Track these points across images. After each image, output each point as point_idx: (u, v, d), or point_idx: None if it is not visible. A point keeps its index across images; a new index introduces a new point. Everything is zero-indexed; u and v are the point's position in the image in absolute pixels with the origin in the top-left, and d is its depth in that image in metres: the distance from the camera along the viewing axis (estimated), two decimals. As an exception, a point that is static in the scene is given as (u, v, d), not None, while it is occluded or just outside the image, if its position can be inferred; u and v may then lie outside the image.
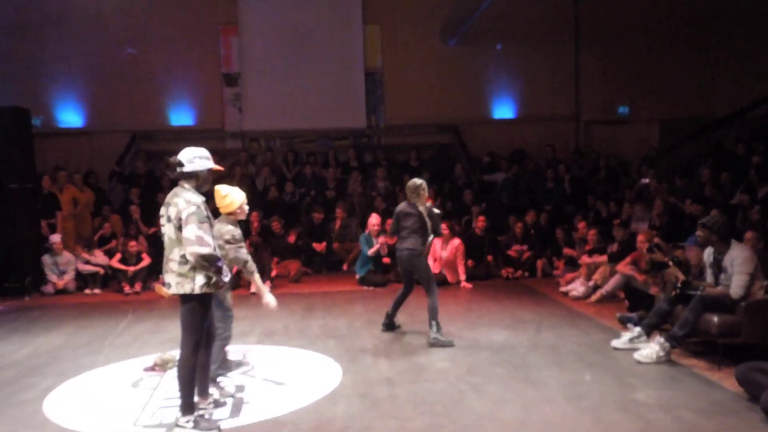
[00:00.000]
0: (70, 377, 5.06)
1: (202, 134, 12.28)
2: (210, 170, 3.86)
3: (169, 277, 3.75)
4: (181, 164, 3.76)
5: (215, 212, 4.31)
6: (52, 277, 9.05)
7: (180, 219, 3.65)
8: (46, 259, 9.07)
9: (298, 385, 4.73)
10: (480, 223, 9.78)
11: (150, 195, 10.88)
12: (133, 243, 9.21)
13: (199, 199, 3.74)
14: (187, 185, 3.77)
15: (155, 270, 9.24)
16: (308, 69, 12.67)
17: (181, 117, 12.77)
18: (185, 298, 3.75)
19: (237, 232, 4.59)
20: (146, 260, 9.16)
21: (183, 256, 3.68)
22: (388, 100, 13.11)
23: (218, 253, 3.76)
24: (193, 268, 3.68)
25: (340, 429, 3.85)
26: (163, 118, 12.70)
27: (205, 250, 3.61)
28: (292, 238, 10.06)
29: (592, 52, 13.20)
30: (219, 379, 4.72)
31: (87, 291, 9.06)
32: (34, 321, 7.32)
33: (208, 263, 3.65)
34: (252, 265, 4.62)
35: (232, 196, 4.58)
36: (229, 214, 4.61)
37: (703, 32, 12.88)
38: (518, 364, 5.07)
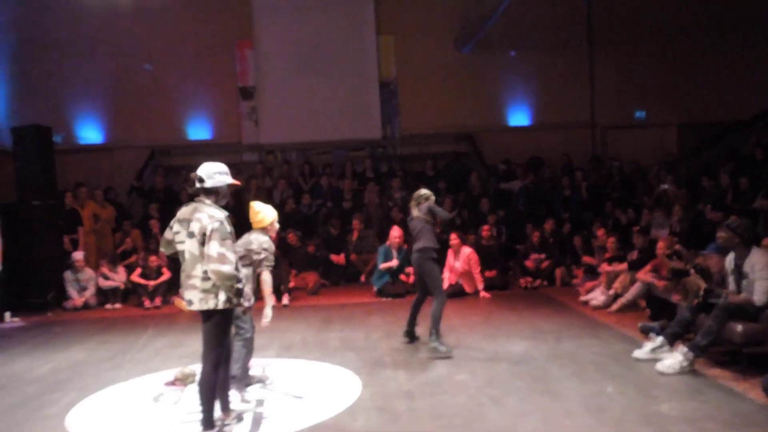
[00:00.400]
0: (92, 392, 5.11)
1: (219, 148, 12.41)
2: (228, 185, 3.90)
3: (190, 294, 3.75)
4: (201, 180, 3.79)
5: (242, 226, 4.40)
6: (73, 293, 9.16)
7: (204, 234, 3.65)
8: (68, 275, 9.19)
9: (318, 398, 4.73)
10: (485, 232, 9.73)
11: (169, 209, 10.88)
12: (153, 258, 9.31)
13: (222, 214, 3.75)
14: (207, 200, 3.80)
15: (175, 284, 9.32)
16: (323, 81, 12.76)
17: (199, 131, 12.92)
18: (208, 314, 3.76)
19: (269, 243, 4.77)
20: (166, 274, 9.24)
21: (206, 272, 3.69)
22: (403, 110, 13.16)
23: (240, 273, 3.76)
24: (216, 284, 3.69)
25: (360, 443, 3.84)
26: (181, 132, 12.87)
27: (226, 269, 3.61)
28: (311, 248, 10.10)
29: (607, 57, 13.15)
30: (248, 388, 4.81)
31: (108, 306, 9.16)
32: (56, 336, 7.41)
33: (228, 282, 3.66)
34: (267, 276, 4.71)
35: (263, 213, 4.80)
36: (261, 229, 4.81)
37: (721, 34, 12.75)
38: (538, 375, 5.02)
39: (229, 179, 3.89)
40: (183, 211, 3.84)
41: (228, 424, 4.08)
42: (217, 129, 13.00)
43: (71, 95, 12.63)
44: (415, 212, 6.10)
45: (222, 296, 3.71)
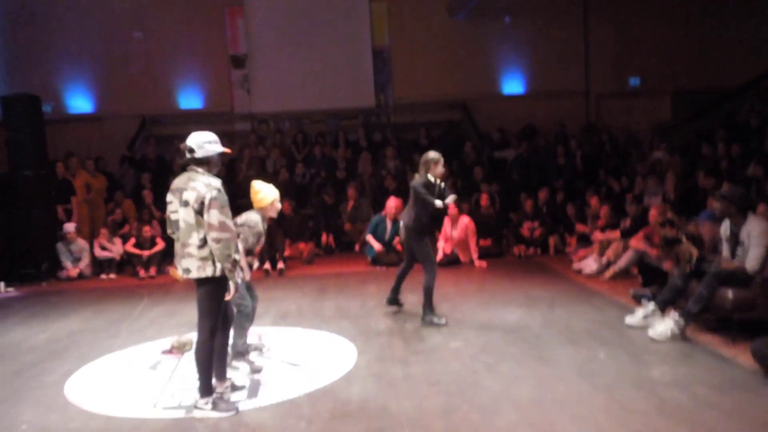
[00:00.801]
0: (90, 361, 5.14)
1: (211, 117, 12.31)
2: (220, 154, 3.87)
3: (187, 263, 3.75)
4: (191, 150, 3.77)
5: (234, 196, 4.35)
6: (67, 263, 9.15)
7: (202, 203, 3.65)
8: (60, 246, 9.17)
9: (314, 366, 4.78)
10: (483, 201, 9.76)
11: (161, 179, 10.91)
12: (146, 228, 9.29)
13: (218, 182, 3.75)
14: (200, 170, 3.78)
15: (169, 254, 9.32)
16: (315, 48, 12.61)
17: (190, 100, 12.78)
18: (204, 282, 3.77)
19: (259, 224, 4.66)
20: (160, 244, 9.24)
21: (203, 240, 3.69)
22: (396, 78, 13.04)
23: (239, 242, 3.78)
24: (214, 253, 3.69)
25: (357, 410, 3.90)
26: (172, 101, 12.72)
27: (227, 236, 3.65)
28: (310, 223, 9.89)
29: (602, 24, 13.04)
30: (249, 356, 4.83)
31: (103, 276, 9.17)
32: (52, 306, 7.43)
33: (227, 250, 3.66)
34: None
35: (263, 193, 4.68)
36: (260, 209, 4.71)
37: (714, 2, 12.63)
38: (531, 342, 5.08)
39: (219, 148, 3.86)
40: (176, 182, 3.83)
41: (222, 393, 4.12)
42: (208, 98, 12.86)
43: (60, 64, 12.44)
44: (416, 179, 5.78)
45: (219, 264, 3.72)
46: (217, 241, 3.63)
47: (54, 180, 9.72)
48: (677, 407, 3.69)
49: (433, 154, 5.81)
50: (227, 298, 3.84)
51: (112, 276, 9.18)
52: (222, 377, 4.10)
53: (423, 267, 5.84)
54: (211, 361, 3.89)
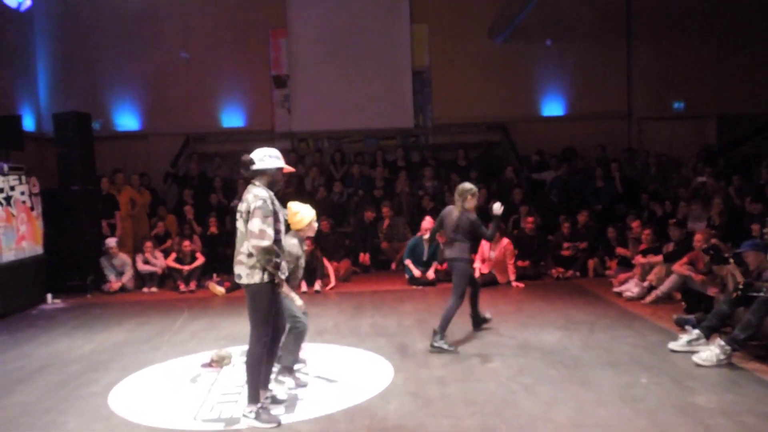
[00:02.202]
0: (132, 372, 5.26)
1: (252, 135, 12.53)
2: (280, 170, 4.03)
3: (239, 269, 3.95)
4: (252, 162, 3.96)
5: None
6: (111, 277, 9.39)
7: (249, 212, 3.85)
8: (103, 260, 9.42)
9: (351, 382, 4.79)
10: (529, 223, 9.69)
11: (203, 195, 11.18)
12: (187, 242, 9.49)
13: (267, 193, 3.90)
14: (257, 182, 3.96)
15: (209, 269, 9.52)
16: (356, 69, 12.77)
17: (232, 119, 13.06)
18: (253, 289, 3.91)
19: (296, 248, 4.67)
20: (200, 259, 9.42)
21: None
22: (435, 99, 13.10)
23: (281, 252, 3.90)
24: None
25: (393, 427, 3.89)
26: (215, 120, 13.02)
27: (265, 243, 3.79)
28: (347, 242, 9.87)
29: (645, 47, 12.88)
30: (296, 368, 4.86)
31: (145, 289, 9.37)
32: (97, 318, 7.62)
33: (267, 255, 3.82)
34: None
35: (301, 214, 4.71)
36: (298, 230, 4.74)
37: (761, 24, 12.40)
38: (571, 365, 5.00)
39: (280, 163, 4.04)
40: (244, 194, 4.02)
41: (263, 403, 4.16)
42: (250, 117, 13.12)
43: (109, 83, 12.88)
44: (456, 211, 5.71)
45: (267, 272, 3.87)
46: (257, 248, 3.81)
47: (99, 195, 10.02)
48: (724, 436, 3.58)
49: (469, 186, 5.79)
50: (279, 289, 4.03)
51: (154, 289, 9.37)
52: (264, 387, 4.16)
53: (452, 293, 5.74)
54: (260, 369, 4.00)
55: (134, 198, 10.50)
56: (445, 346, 5.53)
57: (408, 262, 9.13)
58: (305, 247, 4.86)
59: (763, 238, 5.25)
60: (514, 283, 8.67)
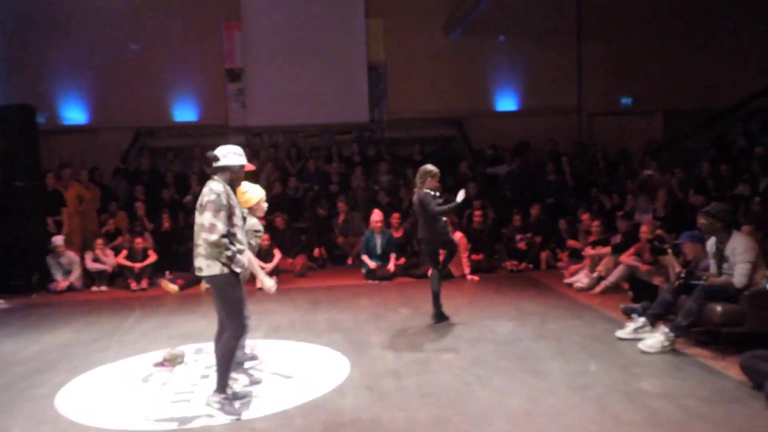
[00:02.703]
0: (81, 373, 5.12)
1: (206, 130, 12.33)
2: (242, 167, 4.10)
3: (198, 262, 3.96)
4: (216, 159, 4.00)
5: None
6: (57, 276, 9.09)
7: (201, 205, 3.91)
8: (49, 259, 9.12)
9: (306, 378, 4.78)
10: (477, 217, 9.83)
11: (154, 191, 10.94)
12: (139, 240, 9.27)
13: (223, 188, 3.93)
14: (216, 178, 3.99)
15: (161, 266, 9.33)
16: (311, 63, 12.68)
17: (185, 113, 12.80)
18: (216, 280, 3.93)
19: (256, 224, 4.82)
20: (152, 257, 9.23)
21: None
22: (391, 94, 13.12)
23: (234, 247, 3.92)
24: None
25: (350, 421, 3.90)
26: (167, 114, 12.73)
27: (213, 237, 3.83)
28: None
29: (595, 43, 13.18)
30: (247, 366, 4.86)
31: (94, 288, 9.11)
32: (43, 318, 7.38)
33: (218, 249, 3.85)
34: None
35: (250, 193, 4.77)
36: (249, 209, 4.79)
37: (707, 22, 12.85)
38: (523, 355, 5.11)
39: (242, 160, 4.10)
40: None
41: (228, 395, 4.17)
42: (203, 111, 12.88)
43: (55, 75, 12.43)
44: (416, 194, 6.04)
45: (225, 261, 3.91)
46: (207, 241, 3.85)
47: (45, 191, 9.69)
48: (667, 419, 3.72)
49: (430, 167, 6.06)
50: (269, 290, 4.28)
51: (104, 288, 9.13)
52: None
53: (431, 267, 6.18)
54: (231, 361, 4.03)
55: (82, 194, 10.20)
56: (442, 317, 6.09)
57: (364, 257, 9.16)
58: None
59: (699, 230, 5.46)
60: (468, 277, 8.79)
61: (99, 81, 12.56)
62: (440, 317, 6.25)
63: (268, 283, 4.58)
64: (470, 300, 7.55)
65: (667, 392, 4.14)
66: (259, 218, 4.91)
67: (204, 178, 4.17)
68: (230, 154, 4.04)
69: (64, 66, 12.40)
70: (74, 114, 12.59)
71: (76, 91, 12.57)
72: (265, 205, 4.90)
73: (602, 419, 3.75)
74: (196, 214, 3.99)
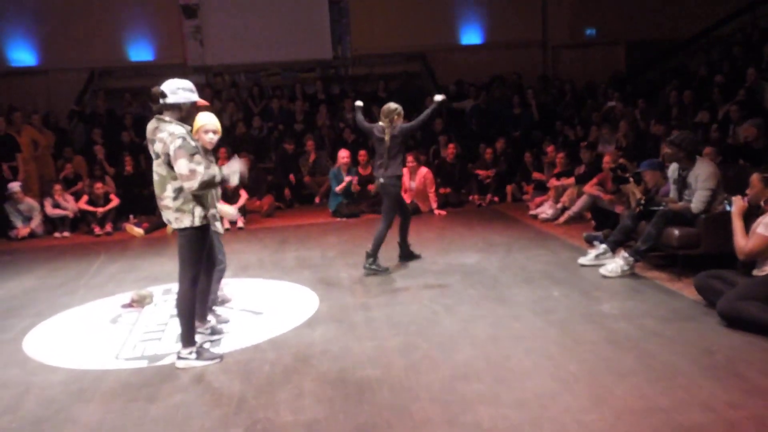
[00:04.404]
0: (48, 317, 5.08)
1: (163, 69, 11.85)
2: (194, 104, 3.76)
3: (166, 215, 3.74)
4: (164, 95, 3.64)
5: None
6: (17, 223, 8.88)
7: (168, 154, 3.57)
8: (8, 206, 8.87)
9: (276, 314, 4.83)
10: (450, 150, 9.85)
11: (113, 134, 10.63)
12: (99, 184, 9.06)
13: (183, 129, 3.63)
14: (168, 117, 3.66)
15: (125, 210, 9.17)
16: (270, -2, 12.26)
17: (141, 52, 12.34)
18: (185, 233, 3.74)
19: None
20: (114, 201, 9.05)
21: (177, 190, 3.65)
22: (353, 30, 12.82)
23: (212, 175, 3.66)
24: (190, 201, 3.67)
25: (320, 352, 3.97)
26: (122, 53, 12.27)
27: (195, 185, 3.56)
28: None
29: (559, -27, 13.00)
30: (215, 308, 4.79)
31: (56, 234, 8.93)
32: (4, 266, 7.23)
33: (207, 188, 3.66)
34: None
35: (196, 119, 4.16)
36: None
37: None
38: (489, 284, 5.23)
39: (195, 96, 3.75)
40: (147, 130, 3.71)
41: (202, 333, 4.16)
42: (159, 49, 12.43)
43: (1, 13, 11.78)
44: (387, 132, 5.75)
45: (198, 212, 3.70)
46: (191, 189, 3.58)
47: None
48: (625, 337, 3.88)
49: (395, 105, 5.85)
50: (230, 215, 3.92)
51: (66, 234, 8.95)
52: (203, 318, 4.16)
53: (383, 218, 5.88)
54: (194, 311, 3.89)
55: (36, 139, 9.83)
56: (377, 268, 5.72)
57: (338, 188, 9.13)
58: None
59: (661, 158, 5.56)
60: (436, 211, 8.87)
61: (48, 20, 11.99)
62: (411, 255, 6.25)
63: (229, 210, 4.48)
64: (438, 234, 7.63)
65: (625, 313, 4.31)
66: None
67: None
68: (180, 90, 3.65)
69: (9, 4, 11.73)
70: (22, 55, 12.03)
71: (23, 31, 11.97)
72: (210, 137, 4.20)
73: (564, 340, 3.90)
74: (154, 162, 3.68)
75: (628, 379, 3.30)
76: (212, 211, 3.88)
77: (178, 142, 3.54)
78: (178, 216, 3.70)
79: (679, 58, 12.19)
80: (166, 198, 3.69)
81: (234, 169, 3.79)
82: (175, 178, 3.63)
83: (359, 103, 6.47)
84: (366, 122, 6.22)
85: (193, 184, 3.56)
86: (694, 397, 3.08)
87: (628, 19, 12.96)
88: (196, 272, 3.81)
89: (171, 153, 3.54)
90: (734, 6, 11.68)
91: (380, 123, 5.90)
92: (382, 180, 5.85)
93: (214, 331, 4.34)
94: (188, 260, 3.79)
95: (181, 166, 3.53)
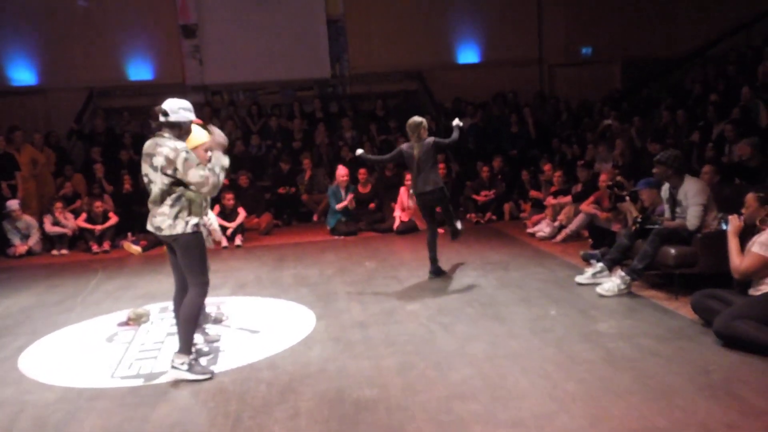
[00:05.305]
0: (44, 335, 5.06)
1: (162, 89, 11.90)
2: (191, 122, 3.97)
3: (159, 221, 3.83)
4: (165, 114, 3.83)
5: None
6: (15, 241, 8.89)
7: (175, 168, 3.72)
8: (6, 224, 8.88)
9: (273, 332, 4.82)
10: (440, 170, 9.85)
11: (112, 153, 10.67)
12: (98, 203, 9.08)
13: (183, 144, 3.82)
14: (167, 134, 3.83)
15: (123, 228, 9.18)
16: (269, 17, 12.38)
17: (140, 71, 12.42)
18: (179, 239, 3.85)
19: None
20: (113, 219, 9.07)
21: (176, 199, 3.80)
22: (351, 48, 12.92)
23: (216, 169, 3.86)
24: (185, 209, 3.82)
25: (316, 371, 3.96)
26: (121, 73, 12.34)
27: (211, 183, 3.77)
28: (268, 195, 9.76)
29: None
30: (205, 326, 4.81)
31: (54, 252, 8.94)
32: (2, 282, 7.23)
33: (222, 178, 3.87)
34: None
35: (191, 136, 4.13)
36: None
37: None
38: (486, 302, 5.22)
39: (192, 116, 3.95)
40: (145, 147, 3.87)
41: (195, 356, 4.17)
42: (158, 69, 12.51)
43: (1, 34, 11.87)
44: (416, 146, 5.93)
45: (192, 220, 3.84)
46: (209, 192, 3.81)
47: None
48: (622, 356, 3.87)
49: (419, 119, 6.08)
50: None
51: (64, 252, 8.95)
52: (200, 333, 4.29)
53: (448, 223, 6.32)
54: (198, 319, 3.99)
55: (36, 158, 9.87)
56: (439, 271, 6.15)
57: (338, 206, 9.14)
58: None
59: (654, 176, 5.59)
60: (433, 229, 8.86)
61: (47, 40, 12.05)
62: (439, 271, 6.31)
63: (215, 225, 4.57)
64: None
65: (622, 332, 4.30)
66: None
67: None
68: (181, 110, 3.86)
69: (10, 25, 11.84)
70: (22, 75, 12.09)
71: (23, 51, 12.05)
72: (209, 155, 4.12)
73: (560, 359, 3.89)
74: (152, 173, 3.79)
75: (625, 399, 3.29)
76: (204, 219, 4.02)
77: (184, 154, 3.74)
78: (171, 223, 3.82)
79: (674, 76, 12.29)
80: (163, 206, 3.82)
81: (220, 141, 3.97)
82: (174, 191, 3.80)
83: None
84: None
85: (209, 187, 3.77)
86: (691, 417, 3.07)
87: (624, 38, 13.09)
88: (202, 279, 3.93)
89: (179, 167, 3.72)
90: (729, 25, 11.81)
91: (403, 146, 6.14)
92: (428, 188, 5.94)
93: (201, 354, 4.31)
94: (190, 267, 3.91)
95: (194, 175, 3.73)
